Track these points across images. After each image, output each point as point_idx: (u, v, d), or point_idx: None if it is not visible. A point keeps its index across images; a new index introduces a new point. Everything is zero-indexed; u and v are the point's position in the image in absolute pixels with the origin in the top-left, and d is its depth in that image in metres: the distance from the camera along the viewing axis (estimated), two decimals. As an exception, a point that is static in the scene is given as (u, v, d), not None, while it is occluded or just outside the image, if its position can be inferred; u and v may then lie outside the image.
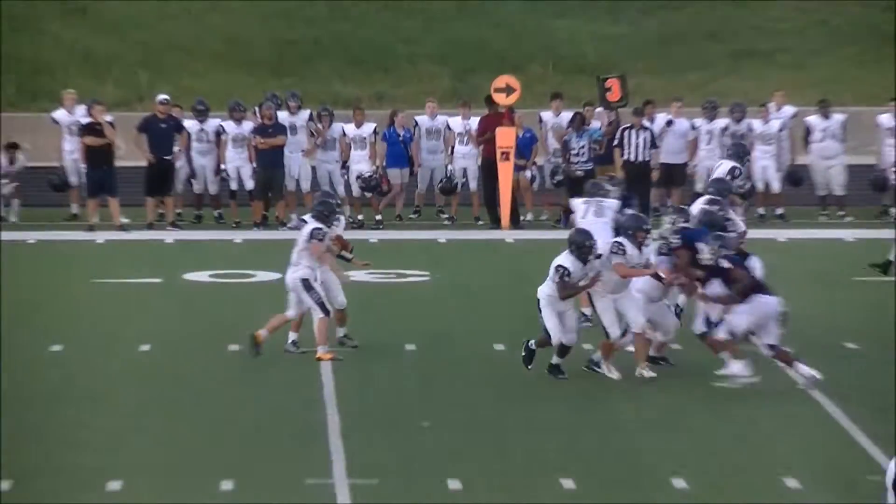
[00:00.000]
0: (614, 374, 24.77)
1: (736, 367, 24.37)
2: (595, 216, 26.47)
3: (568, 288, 23.94)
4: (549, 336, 24.11)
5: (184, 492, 20.41)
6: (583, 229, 24.54)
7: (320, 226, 26.27)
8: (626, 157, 36.94)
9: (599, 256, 24.36)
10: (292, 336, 26.55)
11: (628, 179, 36.88)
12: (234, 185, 37.93)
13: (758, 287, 24.27)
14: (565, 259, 24.06)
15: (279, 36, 49.08)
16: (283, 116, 37.99)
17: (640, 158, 36.93)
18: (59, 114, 38.69)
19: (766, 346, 24.38)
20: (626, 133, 37.16)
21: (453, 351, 25.98)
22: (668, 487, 20.47)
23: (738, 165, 28.52)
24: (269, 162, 37.50)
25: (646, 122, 37.76)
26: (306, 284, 26.11)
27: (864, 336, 26.62)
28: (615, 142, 37.63)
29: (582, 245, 23.90)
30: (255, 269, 32.51)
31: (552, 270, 24.12)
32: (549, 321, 23.99)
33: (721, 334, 24.38)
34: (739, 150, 29.90)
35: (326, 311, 26.18)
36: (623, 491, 20.38)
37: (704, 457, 21.59)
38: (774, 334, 24.23)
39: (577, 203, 27.04)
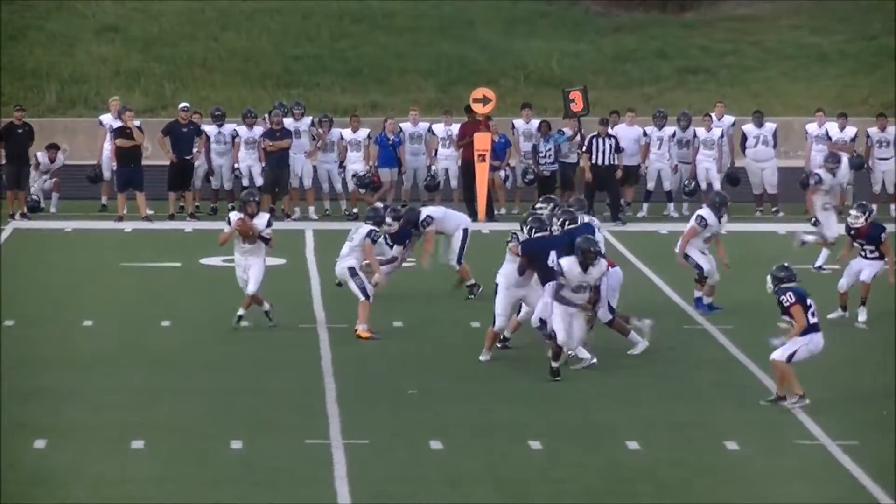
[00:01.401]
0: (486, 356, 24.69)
1: (585, 354, 24.27)
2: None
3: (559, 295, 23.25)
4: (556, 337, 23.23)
5: (199, 450, 20.35)
6: (590, 237, 23.62)
7: (377, 229, 26.66)
8: (593, 161, 36.72)
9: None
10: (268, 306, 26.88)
11: (596, 181, 36.82)
12: (246, 182, 37.78)
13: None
14: (566, 261, 23.07)
15: (286, 52, 48.91)
16: (288, 122, 37.87)
17: (607, 162, 36.73)
18: (106, 117, 38.60)
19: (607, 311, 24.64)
20: (594, 140, 36.96)
21: (437, 328, 25.75)
22: (623, 448, 20.51)
23: None
24: (277, 162, 37.40)
25: (610, 130, 37.54)
26: (352, 272, 26.33)
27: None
28: (584, 148, 37.42)
29: (586, 251, 22.91)
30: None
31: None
32: (557, 323, 23.09)
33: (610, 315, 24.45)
34: None
35: (367, 296, 26.27)
36: (584, 452, 20.35)
37: (655, 424, 21.47)
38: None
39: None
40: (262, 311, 26.73)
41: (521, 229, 24.34)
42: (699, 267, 27.63)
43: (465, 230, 28.31)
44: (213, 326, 26.75)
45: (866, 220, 27.23)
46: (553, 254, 23.92)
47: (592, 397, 22.94)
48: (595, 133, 37.16)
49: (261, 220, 26.59)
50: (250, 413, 22.05)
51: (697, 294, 27.75)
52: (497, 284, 24.52)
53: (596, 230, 25.33)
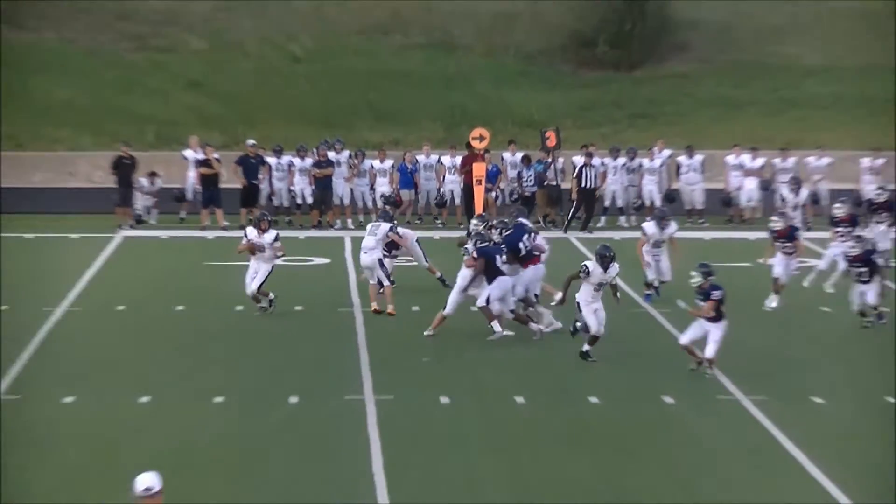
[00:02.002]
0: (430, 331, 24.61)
1: (497, 328, 24.17)
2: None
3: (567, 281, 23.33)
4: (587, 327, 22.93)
5: (267, 403, 20.47)
6: (607, 245, 23.23)
7: (394, 224, 27.02)
8: (583, 185, 36.67)
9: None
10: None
11: (584, 201, 37.09)
12: (299, 201, 37.79)
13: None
14: (590, 262, 22.90)
15: (330, 101, 48.81)
16: (332, 155, 37.74)
17: (591, 186, 36.68)
18: (188, 152, 38.54)
19: (509, 310, 24.41)
20: (583, 169, 36.85)
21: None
22: (586, 402, 20.65)
23: None
24: (323, 185, 37.34)
25: (594, 161, 37.53)
26: (380, 262, 26.33)
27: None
28: (574, 174, 37.38)
29: (603, 255, 22.59)
30: (312, 256, 32.43)
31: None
32: (588, 318, 22.72)
33: (494, 306, 24.11)
34: None
35: (392, 281, 26.47)
36: (555, 404, 20.48)
37: (611, 385, 21.59)
38: (511, 301, 24.35)
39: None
40: (259, 306, 26.39)
41: (470, 244, 24.49)
42: (646, 275, 27.74)
43: (417, 240, 28.44)
44: (276, 312, 26.55)
45: (784, 223, 27.43)
46: (498, 257, 24.23)
47: (563, 365, 22.96)
48: (583, 163, 37.12)
49: (270, 235, 26.17)
50: (304, 375, 22.18)
51: (647, 292, 27.85)
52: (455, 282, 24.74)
53: (529, 233, 25.28)
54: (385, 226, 26.74)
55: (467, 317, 24.76)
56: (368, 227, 27.12)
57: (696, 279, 21.88)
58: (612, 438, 19.06)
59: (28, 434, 19.10)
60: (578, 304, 23.03)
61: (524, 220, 26.08)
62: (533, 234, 25.41)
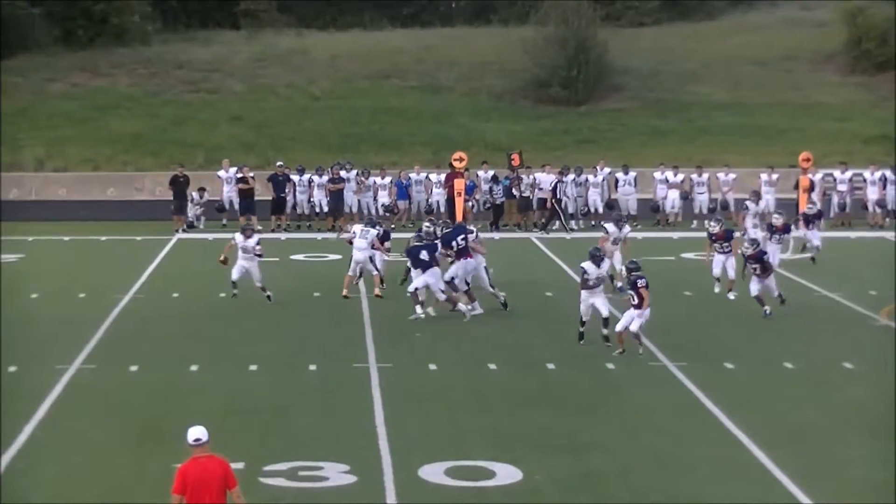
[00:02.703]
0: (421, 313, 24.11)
1: (465, 308, 24.17)
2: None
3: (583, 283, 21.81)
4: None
5: (292, 370, 20.35)
6: (597, 247, 22.66)
7: (382, 230, 26.81)
8: (557, 196, 36.87)
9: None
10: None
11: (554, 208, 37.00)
12: (317, 209, 37.62)
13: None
14: (586, 264, 21.67)
15: (342, 131, 48.94)
16: (343, 173, 37.66)
17: (560, 197, 37.22)
18: (221, 172, 38.38)
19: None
20: (556, 184, 36.76)
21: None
22: (544, 368, 20.43)
23: None
24: (336, 197, 37.22)
25: (564, 178, 37.51)
26: (371, 259, 26.18)
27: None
28: (551, 187, 37.20)
29: (594, 255, 21.62)
30: (327, 253, 32.25)
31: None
32: (602, 306, 21.53)
33: (441, 295, 24.13)
34: None
35: (379, 272, 26.26)
36: (520, 370, 20.30)
37: (564, 354, 21.36)
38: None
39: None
40: (266, 294, 25.81)
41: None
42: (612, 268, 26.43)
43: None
44: (298, 297, 26.50)
45: (721, 227, 26.52)
46: (424, 252, 24.08)
47: (526, 338, 22.76)
48: (557, 180, 37.08)
49: (253, 240, 25.81)
50: (320, 347, 21.99)
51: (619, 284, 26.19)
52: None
53: (466, 234, 24.99)
54: (373, 231, 26.43)
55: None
56: (360, 231, 26.62)
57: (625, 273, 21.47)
58: (567, 396, 18.86)
59: (102, 396, 18.97)
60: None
61: (468, 227, 26.14)
62: (470, 235, 25.05)
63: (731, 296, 25.89)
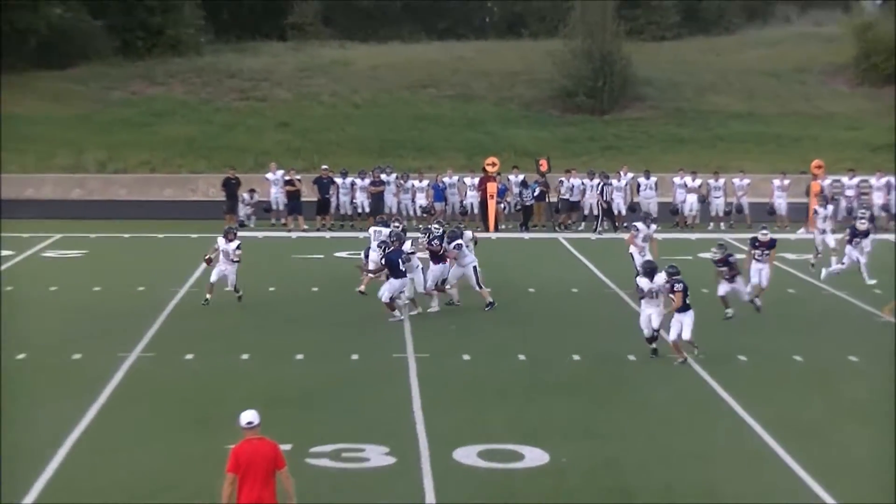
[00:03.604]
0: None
1: (434, 304, 24.14)
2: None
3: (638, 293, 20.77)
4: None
5: (336, 359, 20.39)
6: (650, 259, 22.20)
7: (392, 229, 25.89)
8: (605, 198, 37.18)
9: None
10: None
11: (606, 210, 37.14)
12: (359, 210, 37.76)
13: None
14: (640, 279, 20.77)
15: (382, 137, 48.79)
16: (383, 176, 37.85)
17: (609, 199, 37.56)
18: (269, 174, 38.58)
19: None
20: (603, 188, 37.07)
21: (465, 296, 25.48)
22: (571, 360, 20.42)
23: None
24: (376, 199, 37.39)
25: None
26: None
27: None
28: (599, 192, 37.31)
29: (647, 269, 20.66)
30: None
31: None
32: (657, 321, 20.49)
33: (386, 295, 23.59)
34: None
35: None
36: (545, 361, 20.34)
37: (588, 346, 21.36)
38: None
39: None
40: (237, 295, 25.20)
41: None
42: (634, 263, 26.19)
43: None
44: (342, 292, 26.36)
45: (769, 236, 25.07)
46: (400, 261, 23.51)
47: (552, 333, 22.81)
48: (604, 182, 37.23)
49: (234, 244, 25.00)
50: (362, 339, 22.06)
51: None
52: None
53: (465, 237, 25.09)
54: (385, 230, 25.99)
55: (477, 297, 24.62)
56: (372, 232, 26.42)
57: (665, 276, 20.36)
58: (586, 387, 18.90)
59: (160, 382, 19.14)
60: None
61: (467, 233, 25.88)
62: (460, 240, 24.90)
63: (758, 301, 24.74)
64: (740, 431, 16.79)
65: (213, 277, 25.19)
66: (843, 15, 60.57)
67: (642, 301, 20.63)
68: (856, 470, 15.25)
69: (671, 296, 20.14)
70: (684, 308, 20.00)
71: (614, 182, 38.05)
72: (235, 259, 25.12)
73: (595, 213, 37.67)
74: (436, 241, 24.77)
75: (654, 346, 20.56)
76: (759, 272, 25.00)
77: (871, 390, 18.96)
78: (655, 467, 15.18)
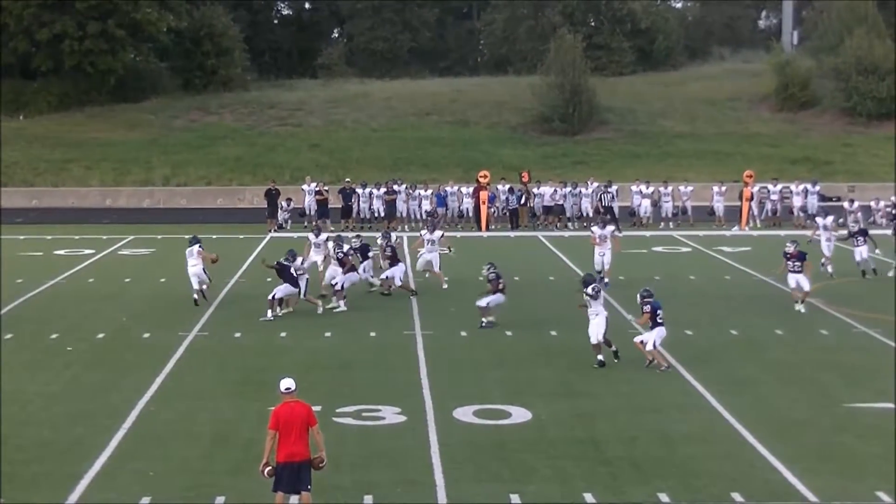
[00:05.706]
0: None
1: (342, 304, 22.83)
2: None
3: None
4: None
5: (356, 337, 20.26)
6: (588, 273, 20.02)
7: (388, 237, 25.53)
8: (603, 203, 36.69)
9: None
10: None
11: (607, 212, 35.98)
12: (376, 215, 37.53)
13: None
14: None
15: (394, 155, 48.63)
16: (396, 187, 37.65)
17: (608, 204, 36.94)
18: (304, 186, 38.43)
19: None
20: (601, 195, 36.75)
21: (463, 284, 25.34)
22: (548, 334, 20.13)
23: None
24: (390, 205, 37.17)
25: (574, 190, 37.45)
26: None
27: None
28: (598, 198, 37.03)
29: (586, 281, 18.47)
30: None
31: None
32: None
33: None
34: None
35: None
36: (529, 335, 20.05)
37: (565, 319, 21.16)
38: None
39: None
40: (203, 291, 23.56)
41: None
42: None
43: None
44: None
45: (795, 248, 22.48)
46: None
47: (534, 312, 22.51)
48: (603, 191, 36.92)
49: (196, 247, 23.43)
50: (378, 318, 21.90)
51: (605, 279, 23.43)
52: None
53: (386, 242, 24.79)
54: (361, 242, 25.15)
55: (477, 287, 24.41)
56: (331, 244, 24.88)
57: (638, 298, 18.33)
58: (565, 355, 18.71)
59: (213, 356, 19.03)
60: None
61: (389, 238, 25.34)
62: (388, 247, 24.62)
63: (802, 308, 22.38)
64: (687, 389, 16.72)
65: (203, 284, 23.55)
66: (766, 54, 60.69)
67: (589, 309, 18.03)
68: (777, 419, 15.17)
69: (640, 317, 18.19)
70: (655, 325, 17.95)
71: (583, 190, 37.85)
72: (213, 261, 23.73)
73: (568, 215, 37.52)
74: (349, 251, 23.89)
75: (600, 357, 17.94)
76: (797, 281, 22.55)
77: (793, 355, 18.83)
78: (618, 419, 15.10)
